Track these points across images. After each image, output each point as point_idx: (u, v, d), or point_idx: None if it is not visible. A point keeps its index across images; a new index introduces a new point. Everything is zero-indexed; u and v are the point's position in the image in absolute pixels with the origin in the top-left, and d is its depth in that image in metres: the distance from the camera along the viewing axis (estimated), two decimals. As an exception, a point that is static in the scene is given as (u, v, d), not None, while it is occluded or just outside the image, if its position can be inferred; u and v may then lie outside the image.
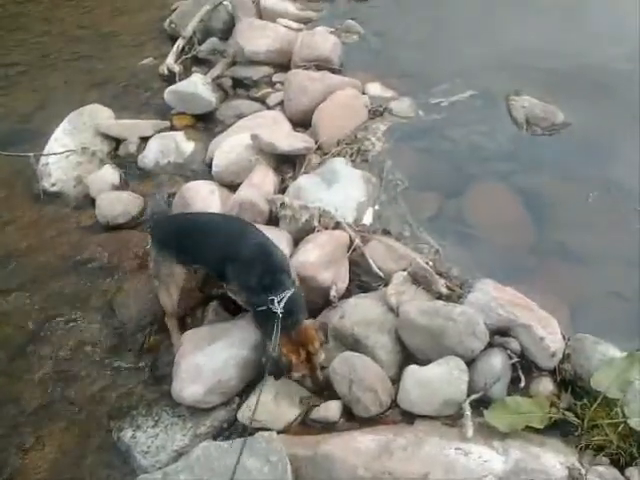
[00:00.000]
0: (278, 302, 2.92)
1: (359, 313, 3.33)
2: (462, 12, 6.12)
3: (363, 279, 3.69)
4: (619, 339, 3.16)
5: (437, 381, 2.96)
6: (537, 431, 2.80)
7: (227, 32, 5.99)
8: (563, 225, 4.01)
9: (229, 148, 4.41)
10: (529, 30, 5.69)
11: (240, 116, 4.98)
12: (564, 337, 3.13)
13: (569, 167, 4.34)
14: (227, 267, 3.16)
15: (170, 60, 5.74)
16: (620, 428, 2.70)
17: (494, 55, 5.41)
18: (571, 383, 2.99)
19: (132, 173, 4.81)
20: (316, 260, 3.49)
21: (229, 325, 3.41)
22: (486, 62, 5.33)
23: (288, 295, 2.96)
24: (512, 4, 6.13)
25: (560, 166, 4.36)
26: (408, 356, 3.21)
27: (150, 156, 4.81)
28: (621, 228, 3.95)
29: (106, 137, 5.02)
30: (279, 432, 2.96)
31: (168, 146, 4.81)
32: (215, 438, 3.06)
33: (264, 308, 2.95)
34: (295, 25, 5.92)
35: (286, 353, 2.91)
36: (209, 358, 3.19)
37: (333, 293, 3.44)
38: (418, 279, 3.45)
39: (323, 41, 5.44)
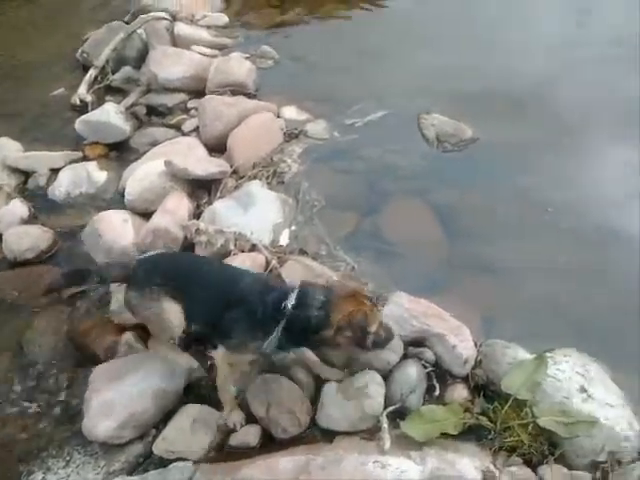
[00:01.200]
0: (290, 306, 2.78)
1: (276, 334, 3.30)
2: (375, 37, 6.29)
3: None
4: (530, 342, 3.25)
5: (354, 396, 2.95)
6: (453, 437, 2.83)
7: (141, 60, 5.91)
8: (475, 237, 4.12)
9: (142, 175, 4.35)
10: (441, 52, 5.89)
11: (154, 143, 4.92)
12: (476, 344, 3.20)
13: (478, 180, 4.49)
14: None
15: (82, 90, 5.63)
16: (530, 428, 2.77)
17: (406, 76, 5.58)
18: (484, 388, 3.06)
19: (42, 206, 4.63)
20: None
21: (144, 356, 3.32)
22: (399, 83, 5.49)
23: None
24: (425, 26, 6.36)
25: (470, 180, 4.49)
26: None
27: (61, 188, 4.67)
28: (529, 236, 4.09)
29: (14, 171, 4.85)
30: (196, 461, 2.89)
31: (79, 176, 4.69)
32: (130, 474, 2.96)
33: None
34: (210, 52, 5.93)
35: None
36: (122, 392, 3.09)
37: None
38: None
39: (238, 66, 5.47)
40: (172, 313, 3.03)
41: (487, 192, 4.40)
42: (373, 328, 2.77)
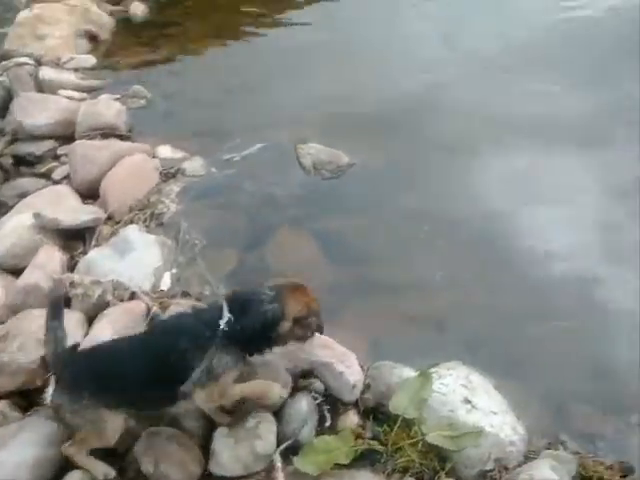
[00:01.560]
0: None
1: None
2: (250, 70, 6.33)
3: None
4: (417, 360, 3.31)
5: (245, 438, 2.89)
6: (347, 466, 2.81)
7: (4, 109, 5.66)
8: (359, 260, 4.18)
9: (10, 230, 4.11)
10: (315, 81, 6.02)
11: (25, 195, 4.66)
12: (363, 368, 3.22)
13: (357, 204, 4.59)
14: None
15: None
16: (420, 446, 2.81)
17: (282, 107, 5.64)
18: (374, 411, 3.08)
19: None
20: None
21: (19, 425, 3.09)
22: (274, 114, 5.54)
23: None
24: (299, 57, 6.47)
25: (349, 204, 4.60)
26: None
27: None
28: (410, 255, 4.19)
29: None
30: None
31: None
32: None
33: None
34: (78, 95, 5.75)
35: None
36: (-4, 465, 2.88)
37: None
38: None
39: (107, 109, 5.34)
40: (111, 420, 2.77)
41: (366, 215, 4.50)
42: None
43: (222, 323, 2.70)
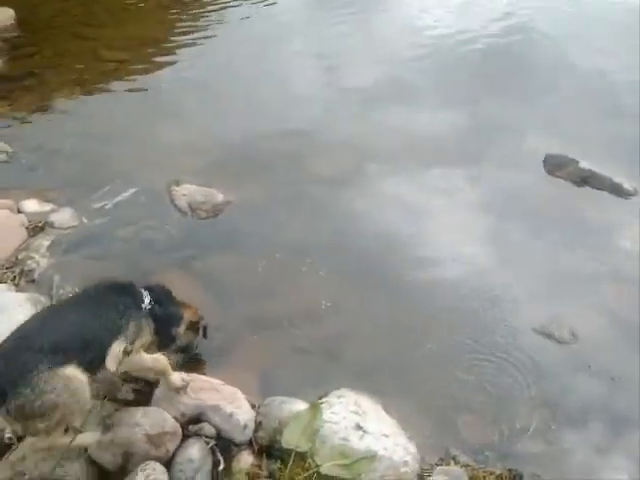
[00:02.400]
0: None
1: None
2: (116, 116, 6.25)
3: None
4: (309, 392, 3.33)
5: (135, 494, 2.76)
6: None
7: None
8: (244, 297, 4.15)
9: None
10: (188, 123, 6.04)
11: None
12: (254, 406, 3.18)
13: (236, 241, 4.60)
14: None
15: None
16: (315, 478, 2.78)
17: (154, 151, 5.59)
18: (269, 449, 3.03)
19: None
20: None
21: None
22: (146, 159, 5.48)
23: None
24: (169, 100, 6.47)
25: (227, 241, 4.60)
26: (106, 476, 2.96)
27: None
28: (293, 287, 4.22)
29: None
30: None
31: None
32: None
33: None
34: None
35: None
36: None
37: (8, 435, 3.04)
38: (103, 391, 3.24)
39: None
40: (78, 378, 2.61)
41: (247, 251, 4.50)
42: None
43: (146, 303, 3.06)
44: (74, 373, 2.61)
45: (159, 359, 3.07)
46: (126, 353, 2.86)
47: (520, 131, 5.87)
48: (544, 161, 5.38)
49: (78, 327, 2.79)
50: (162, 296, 3.22)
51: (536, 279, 4.31)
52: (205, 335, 3.56)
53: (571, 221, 4.83)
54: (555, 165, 5.30)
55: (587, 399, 3.51)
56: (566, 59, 7.20)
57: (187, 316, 3.35)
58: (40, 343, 2.61)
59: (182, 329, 3.30)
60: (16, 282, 4.08)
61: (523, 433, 3.30)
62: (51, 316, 2.94)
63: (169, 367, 3.11)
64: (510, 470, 3.06)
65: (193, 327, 3.45)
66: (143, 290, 3.14)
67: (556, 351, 3.78)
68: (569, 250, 4.54)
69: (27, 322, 2.83)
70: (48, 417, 2.55)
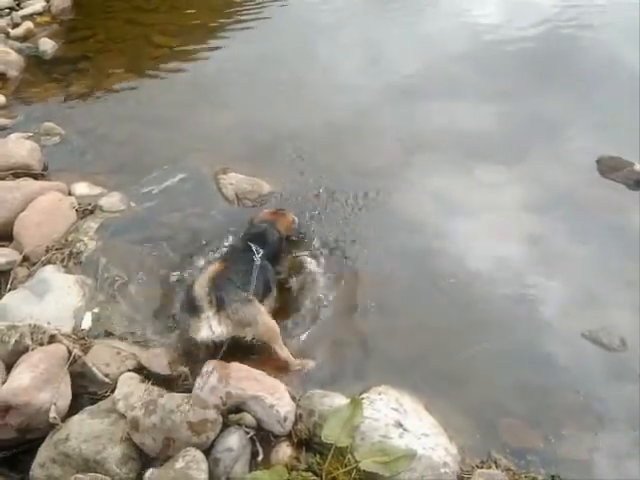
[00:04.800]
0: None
1: (85, 429, 3.07)
2: (165, 103, 6.31)
3: (90, 389, 3.43)
4: (349, 387, 3.32)
5: (175, 479, 2.79)
6: (282, 501, 2.76)
7: None
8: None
9: None
10: (233, 111, 6.06)
11: None
12: (294, 399, 3.17)
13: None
14: None
15: None
16: (354, 474, 2.77)
17: (200, 138, 5.62)
18: (308, 442, 3.03)
19: None
20: (30, 383, 3.16)
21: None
22: (193, 146, 5.51)
23: None
24: (215, 88, 6.48)
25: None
26: (147, 461, 3.02)
27: None
28: (338, 280, 4.19)
29: None
30: None
31: None
32: None
33: None
34: (-13, 135, 5.53)
35: None
36: None
37: (52, 414, 3.12)
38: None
39: (17, 147, 5.15)
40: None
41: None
42: None
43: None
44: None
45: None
46: None
47: (573, 130, 5.71)
48: (597, 162, 5.22)
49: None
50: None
51: (585, 284, 4.19)
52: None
53: (623, 224, 4.68)
54: (609, 167, 5.15)
55: (633, 407, 3.41)
56: (622, 58, 6.96)
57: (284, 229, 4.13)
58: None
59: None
60: (65, 263, 4.15)
61: (567, 439, 3.23)
62: None
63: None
64: (553, 476, 3.01)
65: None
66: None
67: (604, 358, 3.68)
68: (619, 254, 4.41)
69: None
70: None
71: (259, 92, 6.44)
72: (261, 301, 3.52)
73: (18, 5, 8.28)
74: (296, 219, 4.34)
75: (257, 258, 3.70)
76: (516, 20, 7.98)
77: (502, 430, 3.25)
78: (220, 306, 3.24)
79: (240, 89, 6.46)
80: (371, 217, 4.72)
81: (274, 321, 3.48)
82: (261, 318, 3.37)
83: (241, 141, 5.48)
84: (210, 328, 3.20)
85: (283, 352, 3.45)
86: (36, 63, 7.11)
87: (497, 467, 3.01)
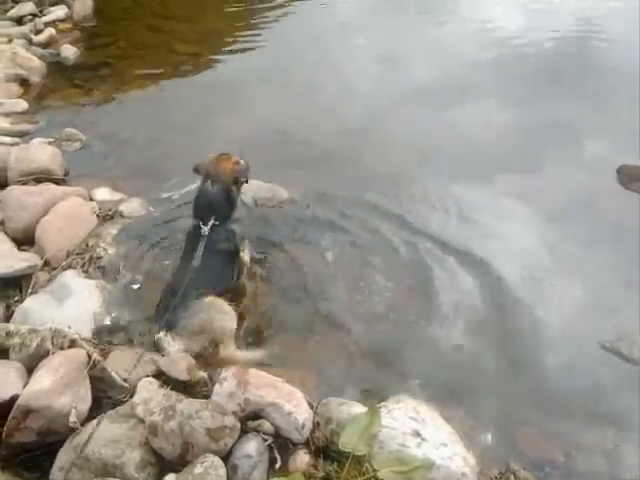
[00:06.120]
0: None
1: (105, 433, 3.08)
2: (185, 109, 6.38)
3: (110, 394, 3.45)
4: (366, 395, 3.33)
5: (194, 485, 2.80)
6: (299, 508, 2.76)
7: None
8: (308, 296, 4.15)
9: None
10: (250, 118, 6.08)
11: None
12: (311, 406, 3.17)
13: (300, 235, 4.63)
14: None
15: None
16: (371, 482, 2.77)
17: (219, 145, 5.58)
18: (325, 449, 3.03)
19: None
20: (51, 386, 3.18)
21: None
22: (212, 150, 5.48)
23: None
24: (233, 95, 6.51)
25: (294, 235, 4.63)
26: (165, 466, 3.03)
27: None
28: (355, 288, 4.19)
29: None
30: None
31: None
32: None
33: None
34: (10, 140, 5.61)
35: None
36: None
37: (72, 418, 3.15)
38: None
39: (40, 152, 5.22)
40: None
41: (309, 248, 4.50)
42: None
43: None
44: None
45: None
46: None
47: (592, 139, 5.68)
48: (618, 171, 5.18)
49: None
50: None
51: (605, 294, 4.15)
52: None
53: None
54: (630, 176, 5.11)
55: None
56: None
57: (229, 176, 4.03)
58: None
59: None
60: (85, 268, 4.19)
61: (586, 451, 3.20)
62: None
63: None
64: (573, 489, 2.98)
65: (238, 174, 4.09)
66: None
67: (624, 369, 3.65)
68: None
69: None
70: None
71: (277, 98, 6.50)
72: (223, 271, 3.79)
73: (41, 12, 8.42)
74: (241, 160, 4.22)
75: (205, 230, 3.77)
76: (535, 28, 7.97)
77: (520, 441, 3.22)
78: (169, 328, 3.47)
79: (258, 95, 6.52)
80: (389, 224, 4.71)
81: (227, 318, 3.60)
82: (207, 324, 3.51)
83: (259, 147, 5.45)
84: (169, 345, 3.42)
85: (225, 351, 3.52)
86: (58, 69, 7.22)
87: (516, 478, 2.99)
